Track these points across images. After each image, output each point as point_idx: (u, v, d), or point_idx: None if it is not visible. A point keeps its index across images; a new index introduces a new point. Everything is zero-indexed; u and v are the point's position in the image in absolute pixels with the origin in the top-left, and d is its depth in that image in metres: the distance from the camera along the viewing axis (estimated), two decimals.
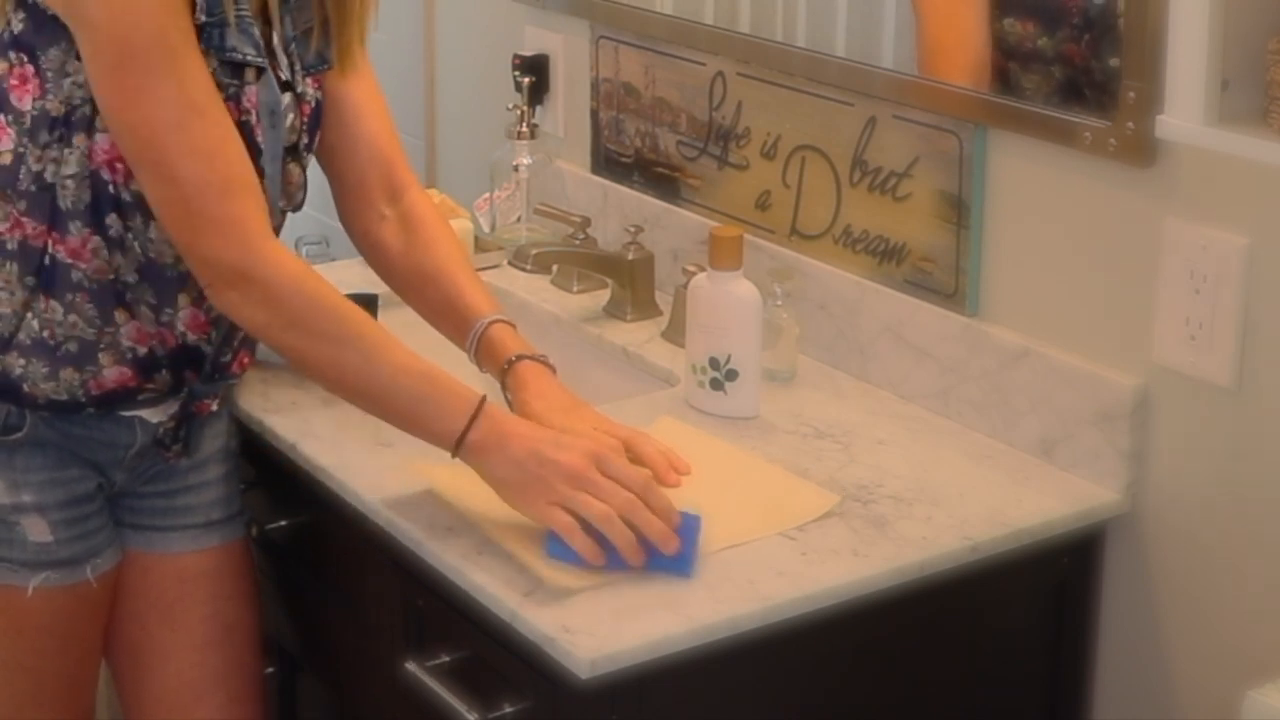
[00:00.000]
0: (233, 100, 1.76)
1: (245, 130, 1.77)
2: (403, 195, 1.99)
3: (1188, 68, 1.58)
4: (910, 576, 1.72)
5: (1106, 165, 1.82)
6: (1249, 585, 1.76)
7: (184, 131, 1.70)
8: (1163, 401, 1.82)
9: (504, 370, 1.86)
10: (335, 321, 1.75)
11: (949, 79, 1.99)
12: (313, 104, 1.90)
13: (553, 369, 1.88)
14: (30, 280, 1.81)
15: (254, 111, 1.78)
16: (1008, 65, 1.90)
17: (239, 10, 1.75)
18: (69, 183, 1.77)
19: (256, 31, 1.76)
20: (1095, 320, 1.88)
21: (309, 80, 1.89)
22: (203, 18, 1.71)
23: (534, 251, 2.28)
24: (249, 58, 1.76)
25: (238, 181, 1.73)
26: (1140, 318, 1.82)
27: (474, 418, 1.71)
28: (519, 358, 1.86)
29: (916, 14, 2.06)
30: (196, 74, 1.71)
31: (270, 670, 2.12)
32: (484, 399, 1.73)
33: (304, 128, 1.88)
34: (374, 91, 1.99)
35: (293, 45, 1.86)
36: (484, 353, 1.89)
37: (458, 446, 1.71)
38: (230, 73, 1.76)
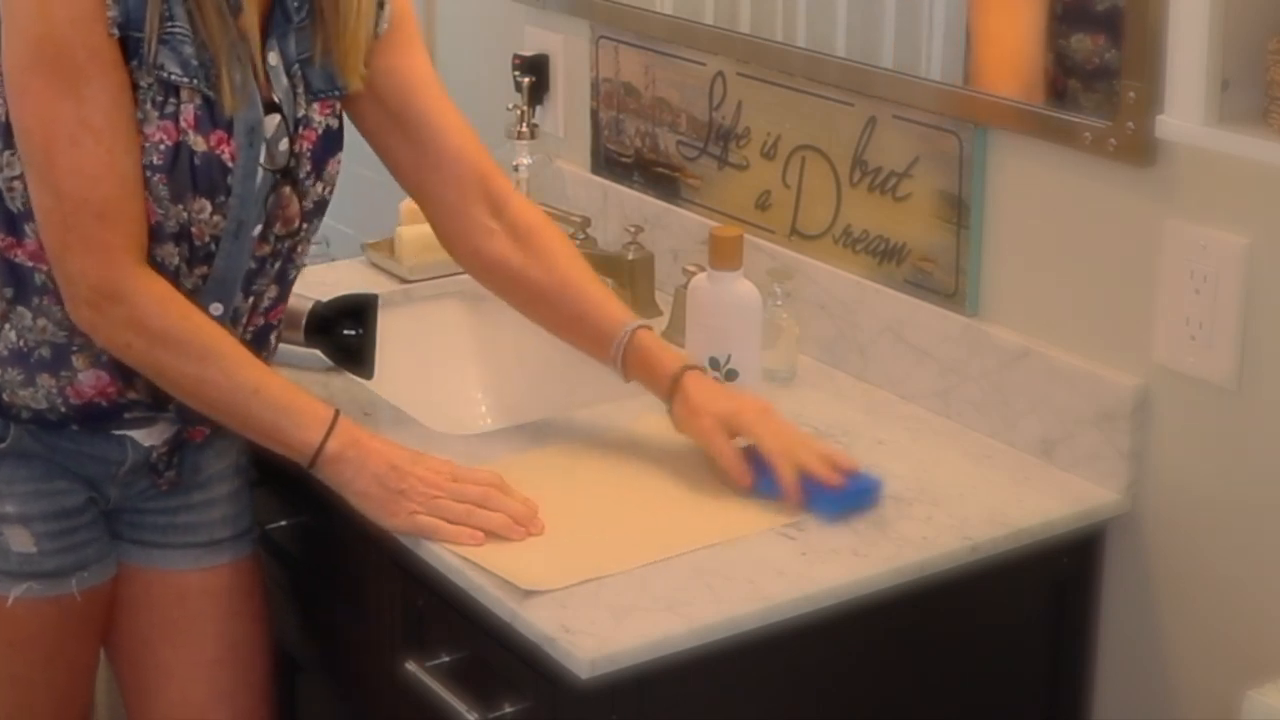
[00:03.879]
0: (170, 118, 1.75)
1: (183, 148, 1.75)
2: (506, 205, 1.96)
3: (1188, 68, 1.58)
4: (910, 576, 1.72)
5: (1106, 165, 1.82)
6: (1249, 585, 1.76)
7: (75, 148, 1.71)
8: (1163, 401, 1.82)
9: (674, 382, 1.87)
10: (197, 341, 1.77)
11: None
12: (319, 130, 1.86)
13: (707, 372, 1.93)
14: (9, 292, 1.81)
15: (191, 130, 1.75)
16: (1067, 84, 1.88)
17: (170, 27, 1.73)
18: (16, 184, 1.78)
19: (188, 50, 1.73)
20: (1095, 320, 1.88)
21: (317, 106, 1.86)
22: (116, 32, 1.70)
23: None
24: (173, 77, 1.74)
25: (115, 207, 1.73)
26: (1140, 318, 1.82)
27: (330, 431, 1.78)
28: (686, 369, 1.87)
29: (968, 32, 2.04)
30: (98, 96, 1.71)
31: None
32: (338, 413, 1.80)
33: (306, 154, 1.85)
34: (450, 103, 1.96)
35: (296, 68, 1.84)
36: (633, 363, 1.90)
37: (315, 458, 1.78)
38: (165, 90, 1.74)
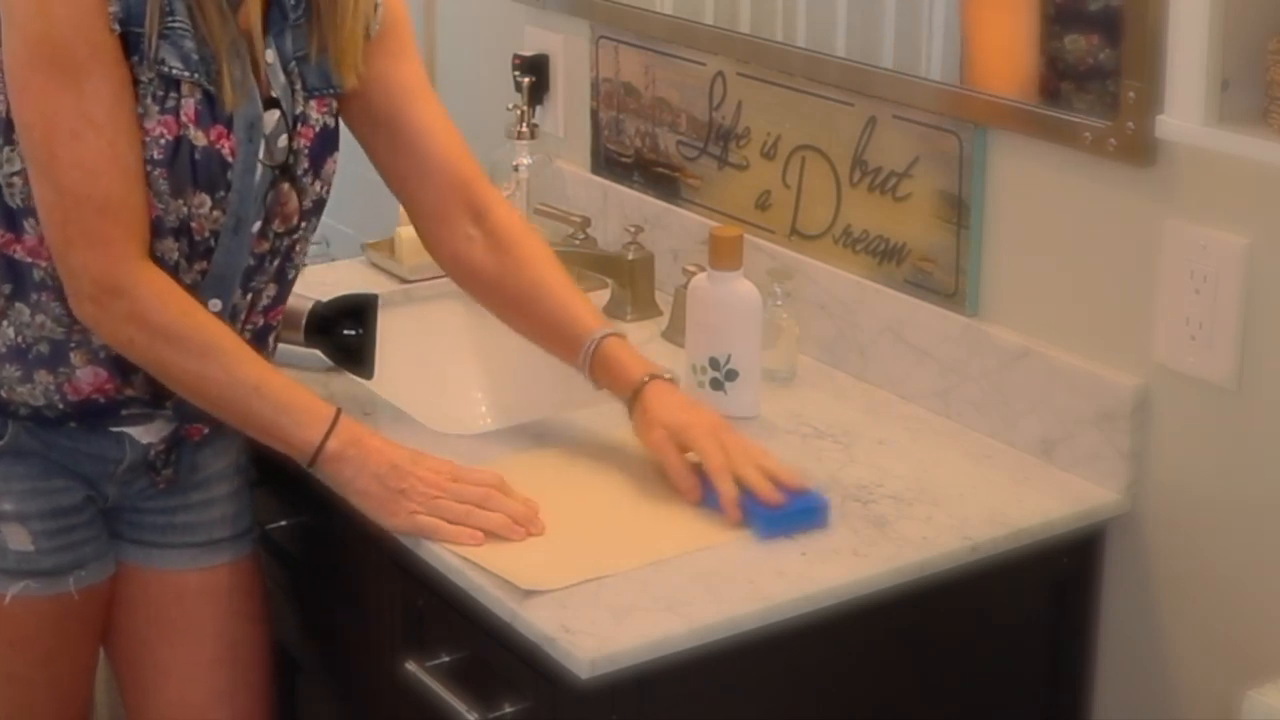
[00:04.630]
0: (171, 113, 1.75)
1: (183, 143, 1.76)
2: (488, 213, 1.96)
3: (1188, 68, 1.58)
4: (910, 576, 1.72)
5: (1106, 165, 1.82)
6: (1249, 585, 1.76)
7: (77, 143, 1.71)
8: (1163, 401, 1.82)
9: (635, 392, 1.86)
10: (198, 337, 1.77)
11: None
12: (317, 128, 1.87)
13: (675, 382, 1.90)
14: (7, 288, 1.82)
15: (191, 125, 1.76)
16: (1060, 86, 1.87)
17: (171, 22, 1.73)
18: (16, 180, 1.78)
19: (188, 44, 1.74)
20: (1095, 320, 1.88)
21: (314, 104, 1.86)
22: (117, 28, 1.70)
23: None
24: (175, 71, 1.74)
25: (118, 201, 1.73)
26: (1140, 318, 1.82)
27: (330, 429, 1.78)
28: (650, 378, 1.86)
29: (963, 34, 2.04)
30: (99, 90, 1.71)
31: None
32: (339, 411, 1.80)
33: (304, 151, 1.86)
34: (439, 111, 1.97)
35: (293, 65, 1.84)
36: (600, 370, 1.89)
37: (315, 457, 1.78)
38: (165, 85, 1.75)
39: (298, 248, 1.91)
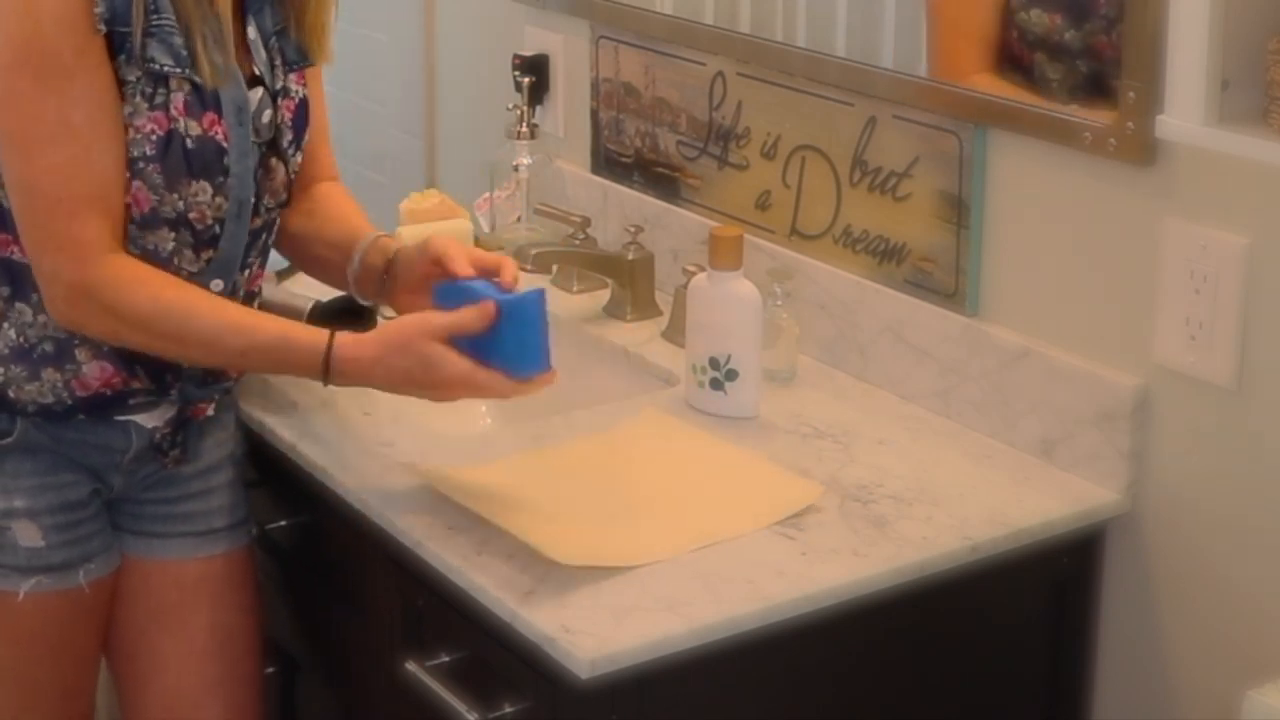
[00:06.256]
0: (160, 108, 1.76)
1: (175, 136, 1.76)
2: (315, 183, 2.01)
3: (1188, 68, 1.58)
4: (910, 576, 1.72)
5: (1106, 165, 1.82)
6: (1249, 585, 1.76)
7: (54, 147, 1.72)
8: (1163, 401, 1.82)
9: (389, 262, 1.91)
10: (168, 322, 1.77)
11: (961, 81, 1.98)
12: (296, 100, 1.90)
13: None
14: (6, 290, 1.82)
15: (182, 117, 1.77)
16: (1033, 56, 1.89)
17: (157, 20, 1.74)
18: None
19: (177, 40, 1.75)
20: (1095, 320, 1.88)
21: (292, 76, 1.89)
22: (102, 28, 1.71)
23: (534, 251, 2.28)
24: (166, 68, 1.75)
25: (87, 205, 1.74)
26: (1140, 318, 1.82)
27: (326, 371, 1.77)
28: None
29: (927, 16, 2.06)
30: (83, 93, 1.72)
31: (270, 670, 2.12)
32: (329, 349, 1.77)
33: (288, 124, 1.88)
34: (321, 89, 2.01)
35: (274, 40, 1.86)
36: (366, 265, 1.93)
37: (325, 376, 1.78)
38: (154, 81, 1.75)
39: (278, 220, 1.93)
